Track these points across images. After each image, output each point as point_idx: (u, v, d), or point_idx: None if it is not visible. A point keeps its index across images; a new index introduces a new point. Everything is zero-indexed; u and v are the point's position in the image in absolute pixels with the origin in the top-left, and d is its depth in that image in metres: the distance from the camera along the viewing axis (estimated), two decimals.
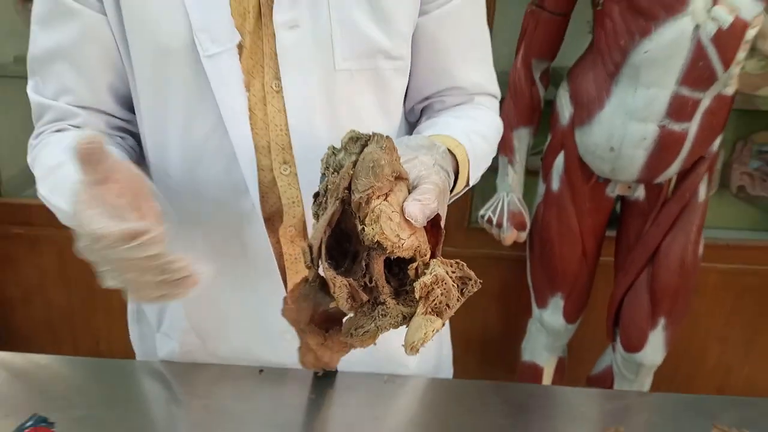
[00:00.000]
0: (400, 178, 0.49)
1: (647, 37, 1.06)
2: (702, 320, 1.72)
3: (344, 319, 0.54)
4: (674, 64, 1.07)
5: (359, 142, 0.50)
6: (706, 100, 1.13)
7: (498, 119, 0.79)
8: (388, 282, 0.50)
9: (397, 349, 0.81)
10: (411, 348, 0.47)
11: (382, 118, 0.72)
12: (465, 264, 0.50)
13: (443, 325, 0.48)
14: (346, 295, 0.49)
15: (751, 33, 1.07)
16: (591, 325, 1.51)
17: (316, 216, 0.51)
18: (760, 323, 1.74)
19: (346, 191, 0.48)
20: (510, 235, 1.34)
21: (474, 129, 0.70)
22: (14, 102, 1.78)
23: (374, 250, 0.48)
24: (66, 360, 0.91)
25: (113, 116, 0.74)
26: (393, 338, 0.78)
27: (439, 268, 0.47)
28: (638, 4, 1.05)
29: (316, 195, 0.52)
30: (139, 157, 0.76)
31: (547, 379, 1.52)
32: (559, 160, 1.30)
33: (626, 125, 1.16)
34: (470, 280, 0.49)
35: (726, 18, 1.03)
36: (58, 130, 0.72)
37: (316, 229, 0.49)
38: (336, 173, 0.50)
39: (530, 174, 1.42)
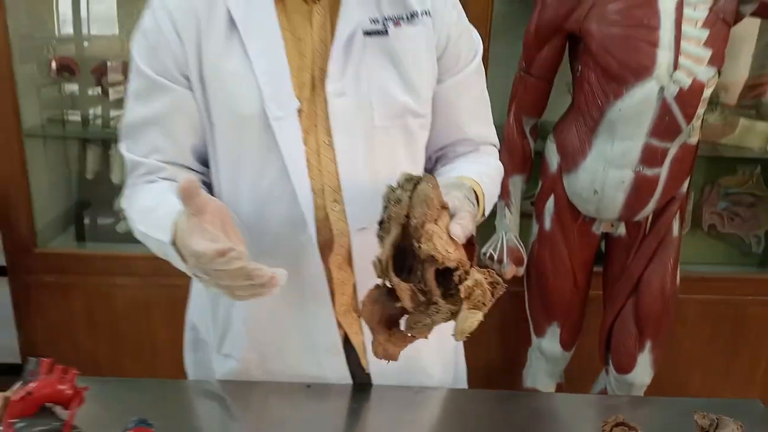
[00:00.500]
0: (443, 207, 0.67)
1: (620, 98, 1.27)
2: (684, 348, 1.88)
3: (402, 319, 0.70)
4: (644, 119, 1.27)
5: (412, 181, 0.67)
6: (673, 149, 1.32)
7: (499, 164, 0.98)
8: (438, 287, 0.66)
9: (425, 362, 0.96)
10: (461, 333, 0.63)
11: (410, 163, 0.90)
12: (495, 272, 0.66)
13: (482, 316, 0.64)
14: (409, 297, 0.65)
15: (707, 92, 1.28)
16: (585, 352, 1.65)
17: (381, 238, 0.68)
18: (738, 349, 1.90)
19: (406, 218, 0.65)
20: (509, 270, 1.50)
21: (484, 172, 0.88)
22: (47, 159, 1.96)
23: (427, 263, 0.64)
24: (129, 382, 1.03)
25: (192, 170, 0.90)
26: (422, 353, 0.94)
27: (477, 274, 0.64)
28: (611, 71, 1.25)
29: (381, 222, 0.69)
30: None
31: None
32: (550, 203, 1.48)
33: (607, 171, 1.34)
34: (499, 284, 0.65)
35: (686, 81, 1.24)
36: (149, 182, 0.88)
37: (383, 248, 0.66)
38: (396, 205, 0.66)
39: (525, 216, 1.59)
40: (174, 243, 0.73)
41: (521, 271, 1.52)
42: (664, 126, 1.27)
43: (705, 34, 1.23)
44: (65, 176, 2.07)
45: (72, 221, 2.07)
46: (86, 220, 2.05)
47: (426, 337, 0.71)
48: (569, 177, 1.41)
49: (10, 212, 1.79)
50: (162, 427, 0.80)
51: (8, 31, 1.66)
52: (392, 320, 0.71)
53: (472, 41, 0.92)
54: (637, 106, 1.26)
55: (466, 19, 0.92)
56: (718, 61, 1.25)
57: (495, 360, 1.90)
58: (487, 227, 1.64)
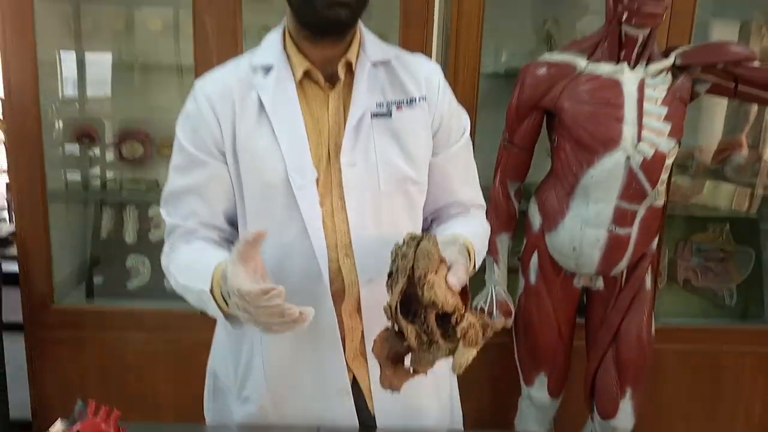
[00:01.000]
0: (442, 261, 0.81)
1: (592, 166, 1.43)
2: (666, 396, 1.98)
3: (407, 357, 0.82)
4: (614, 185, 1.43)
5: (416, 239, 0.82)
6: (641, 211, 1.48)
7: (486, 223, 1.13)
8: (438, 328, 0.79)
9: (424, 406, 1.07)
10: (459, 367, 0.76)
11: (410, 222, 1.04)
12: (486, 316, 0.80)
13: (475, 353, 0.77)
14: (414, 337, 0.78)
15: (669, 161, 1.44)
16: (573, 400, 1.75)
17: (390, 287, 0.81)
18: (717, 396, 2.01)
19: (410, 270, 0.79)
20: (499, 321, 1.62)
21: (475, 231, 1.03)
22: (65, 219, 2.10)
23: (429, 308, 0.78)
24: (162, 426, 1.12)
25: (223, 231, 1.04)
26: (422, 398, 1.05)
27: (471, 317, 0.77)
28: (583, 143, 1.42)
29: (390, 274, 0.82)
30: None
31: None
32: (534, 259, 1.62)
33: (583, 231, 1.49)
34: (489, 326, 0.79)
35: (649, 151, 1.40)
36: (186, 242, 1.01)
37: (392, 296, 0.79)
38: (402, 259, 0.80)
39: (512, 271, 1.72)
40: (211, 291, 0.86)
41: (510, 322, 1.64)
42: (632, 191, 1.43)
43: (664, 110, 1.40)
44: (81, 235, 2.19)
45: (84, 278, 2.18)
46: (97, 277, 2.16)
47: (426, 374, 0.83)
48: (550, 235, 1.56)
49: (30, 270, 1.91)
50: None
51: (39, 96, 1.82)
52: (398, 357, 0.83)
53: (461, 120, 1.09)
54: (606, 173, 1.42)
55: (456, 102, 1.09)
56: (677, 133, 1.42)
57: (487, 409, 1.99)
58: (477, 281, 1.78)
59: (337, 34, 0.95)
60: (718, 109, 2.19)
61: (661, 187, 1.48)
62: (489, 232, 1.12)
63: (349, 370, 1.03)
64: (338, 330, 1.00)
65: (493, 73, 1.97)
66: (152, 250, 2.11)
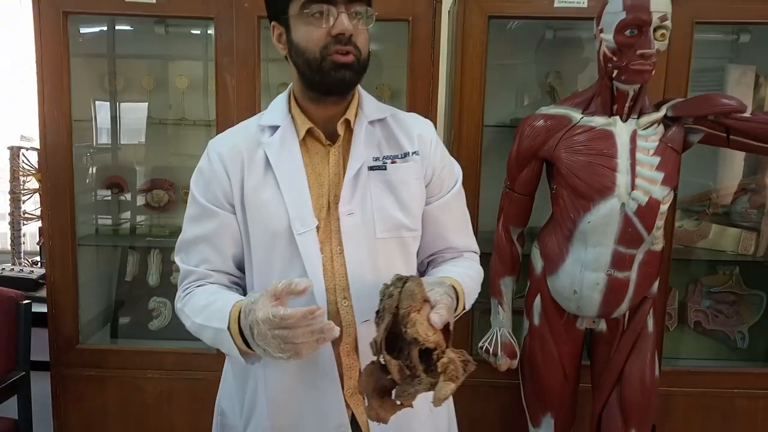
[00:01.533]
0: (426, 300, 0.88)
1: (588, 212, 1.49)
2: None
3: (393, 390, 0.89)
4: (611, 230, 1.49)
5: (402, 280, 0.89)
6: (639, 255, 1.53)
7: (479, 267, 1.20)
8: (420, 363, 0.85)
9: None
10: (438, 400, 0.81)
11: (404, 266, 1.11)
12: (466, 352, 0.86)
13: (456, 387, 0.83)
14: (397, 371, 0.85)
15: (663, 207, 1.50)
16: None
17: (377, 324, 0.88)
18: None
19: (396, 309, 0.86)
20: (504, 362, 1.66)
21: (465, 273, 1.10)
22: (94, 263, 2.21)
23: (412, 344, 0.85)
24: None
25: (232, 275, 1.13)
26: (419, 428, 1.10)
27: (451, 354, 0.83)
28: (579, 190, 1.49)
29: (377, 312, 0.90)
30: None
31: None
32: (537, 301, 1.66)
33: (583, 274, 1.54)
34: (469, 362, 0.85)
35: (642, 198, 1.46)
36: (200, 286, 1.10)
37: (378, 333, 0.86)
38: (389, 299, 0.87)
39: (518, 313, 1.77)
40: (228, 329, 0.94)
41: (515, 363, 1.68)
42: (629, 236, 1.48)
43: (656, 160, 1.47)
44: (108, 278, 2.30)
45: (110, 319, 2.28)
46: (122, 318, 2.26)
47: (412, 406, 0.89)
48: (552, 278, 1.61)
49: (58, 312, 2.01)
50: None
51: (72, 149, 1.96)
52: (385, 390, 0.89)
53: (454, 172, 1.17)
54: (603, 219, 1.48)
55: (449, 155, 1.18)
56: (670, 181, 1.48)
57: None
58: (484, 323, 1.83)
59: (340, 94, 1.05)
60: (736, 152, 2.23)
61: (658, 232, 1.53)
62: (481, 275, 1.18)
63: (348, 407, 1.09)
64: (336, 368, 1.06)
65: (499, 124, 2.06)
66: (173, 292, 2.19)
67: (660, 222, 1.51)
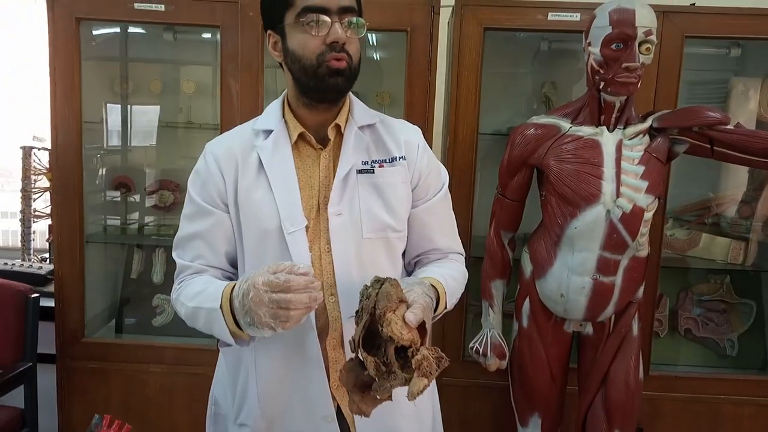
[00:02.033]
0: (402, 301, 0.94)
1: (575, 218, 1.54)
2: None
3: (373, 385, 0.94)
4: (596, 236, 1.54)
5: (379, 282, 0.95)
6: (624, 260, 1.58)
7: (463, 267, 1.25)
8: (396, 360, 0.91)
9: (404, 430, 1.17)
10: (412, 395, 0.87)
11: (390, 267, 1.17)
12: (440, 349, 0.91)
13: (429, 383, 0.88)
14: (373, 367, 0.90)
15: (648, 215, 1.55)
16: None
17: (356, 324, 0.94)
18: None
19: (373, 309, 0.92)
20: (493, 363, 1.71)
21: (448, 273, 1.16)
22: (101, 261, 2.28)
23: (388, 342, 0.90)
24: None
25: (225, 271, 1.19)
26: (402, 421, 1.15)
27: (425, 351, 0.89)
28: (566, 197, 1.54)
29: (357, 312, 0.96)
30: None
31: None
32: (526, 304, 1.72)
33: (570, 278, 1.60)
34: (443, 358, 0.90)
35: (627, 206, 1.52)
36: (193, 278, 1.16)
37: (356, 331, 0.92)
38: (367, 299, 0.94)
39: (507, 316, 1.83)
40: (221, 308, 1.00)
41: (504, 364, 1.73)
42: (613, 242, 1.53)
43: (641, 169, 1.52)
44: (114, 275, 2.38)
45: (115, 315, 2.35)
46: (127, 315, 2.34)
47: (390, 399, 0.94)
48: (540, 282, 1.67)
49: (65, 307, 2.08)
50: None
51: (83, 150, 2.03)
52: (365, 385, 0.95)
53: (440, 176, 1.23)
54: (589, 225, 1.53)
55: (436, 160, 1.24)
56: (654, 190, 1.53)
57: None
58: (476, 325, 1.88)
59: (333, 100, 1.12)
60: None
61: (642, 239, 1.58)
62: (465, 276, 1.24)
63: (334, 399, 1.14)
64: (323, 362, 1.12)
65: (495, 132, 2.12)
66: None
67: (645, 229, 1.56)
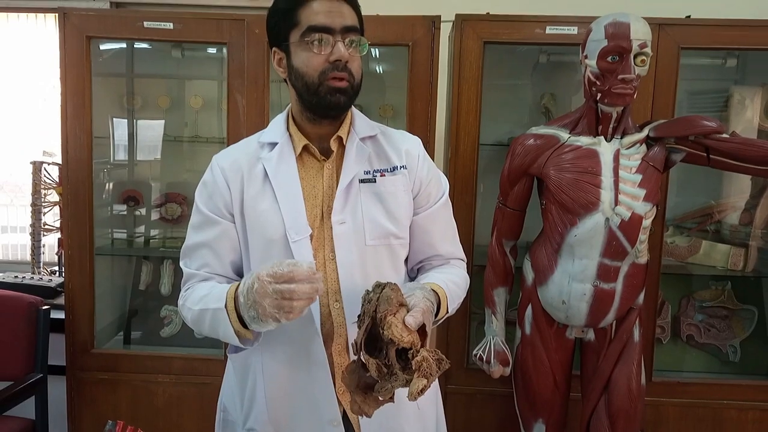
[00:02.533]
0: (402, 304, 0.97)
1: (575, 226, 1.58)
2: None
3: (375, 386, 0.98)
4: (596, 243, 1.57)
5: (380, 287, 0.99)
6: (624, 267, 1.61)
7: (464, 273, 1.28)
8: (398, 361, 0.94)
9: None
10: (412, 395, 0.90)
11: (393, 273, 1.20)
12: (440, 351, 0.94)
13: (429, 384, 0.91)
14: (375, 368, 0.94)
15: (646, 222, 1.58)
16: None
17: (359, 326, 0.98)
18: None
19: (374, 312, 0.95)
20: (496, 370, 1.73)
21: (450, 279, 1.19)
22: (110, 273, 2.32)
23: (389, 344, 0.94)
24: None
25: (230, 279, 1.23)
26: (406, 424, 1.18)
27: (425, 352, 0.92)
28: (566, 206, 1.58)
29: (359, 315, 0.99)
30: None
31: None
32: (529, 311, 1.75)
33: (571, 285, 1.62)
34: (443, 360, 0.93)
35: (625, 213, 1.55)
36: (199, 285, 1.19)
37: (358, 334, 0.96)
38: (368, 304, 0.97)
39: (510, 324, 1.85)
40: (225, 307, 1.04)
41: (507, 371, 1.75)
42: (613, 249, 1.57)
43: (638, 177, 1.56)
44: (122, 288, 2.41)
45: (123, 326, 2.38)
46: (135, 326, 2.37)
47: (393, 401, 0.98)
48: (542, 289, 1.70)
49: (75, 319, 2.12)
50: None
51: (92, 164, 2.08)
52: (368, 387, 0.98)
53: (440, 184, 1.27)
54: (588, 233, 1.57)
55: (436, 169, 1.28)
56: (652, 198, 1.56)
57: None
58: (479, 333, 1.91)
59: (334, 116, 1.16)
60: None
61: (641, 246, 1.61)
62: (467, 281, 1.27)
63: (340, 404, 1.17)
64: (328, 367, 1.15)
65: (496, 143, 2.16)
66: None
67: (643, 236, 1.59)
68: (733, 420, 2.03)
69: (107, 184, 2.38)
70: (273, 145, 1.20)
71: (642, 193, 1.55)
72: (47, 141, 2.89)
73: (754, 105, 2.18)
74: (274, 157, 1.18)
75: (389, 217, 1.17)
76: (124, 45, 2.36)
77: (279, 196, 1.15)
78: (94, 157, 2.09)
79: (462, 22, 1.89)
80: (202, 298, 1.14)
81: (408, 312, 0.97)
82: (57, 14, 2.00)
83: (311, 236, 1.15)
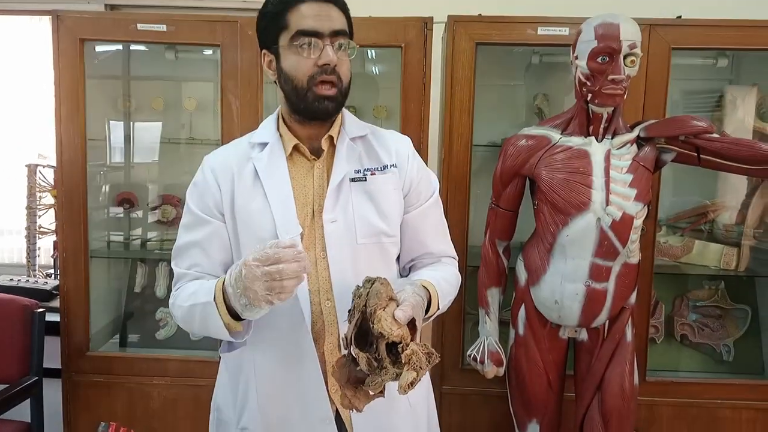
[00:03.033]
0: (391, 299, 0.98)
1: (566, 226, 1.58)
2: None
3: (366, 380, 0.98)
4: (587, 243, 1.58)
5: (370, 282, 1.00)
6: (616, 267, 1.61)
7: (455, 270, 1.29)
8: (388, 355, 0.95)
9: (401, 431, 1.20)
10: (402, 387, 0.91)
11: (384, 270, 1.20)
12: (429, 345, 0.95)
13: (419, 377, 0.92)
14: (366, 363, 0.94)
15: (637, 222, 1.59)
16: None
17: (349, 321, 0.98)
18: None
19: (364, 307, 0.96)
20: (490, 370, 1.74)
21: (441, 276, 1.20)
22: (105, 276, 2.32)
23: (379, 338, 0.94)
24: None
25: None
26: (398, 422, 1.19)
27: (414, 346, 0.93)
28: (557, 206, 1.59)
29: (349, 311, 1.00)
30: None
31: None
32: (522, 312, 1.75)
33: (563, 285, 1.63)
34: (433, 354, 0.94)
35: (617, 213, 1.56)
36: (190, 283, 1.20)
37: (348, 328, 0.96)
38: (358, 298, 0.98)
39: (504, 324, 1.86)
40: (215, 300, 1.05)
41: (501, 371, 1.76)
42: (605, 249, 1.57)
43: (629, 177, 1.56)
44: (117, 290, 2.42)
45: (119, 329, 2.38)
46: (130, 328, 2.37)
47: (383, 395, 0.98)
48: (535, 289, 1.70)
49: (70, 322, 2.12)
50: None
51: (87, 167, 2.08)
52: (358, 381, 0.99)
53: (431, 183, 1.28)
54: (580, 233, 1.57)
55: (426, 168, 1.29)
56: (643, 197, 1.57)
57: None
58: (473, 333, 1.91)
59: (323, 119, 1.16)
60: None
61: (633, 245, 1.61)
62: (458, 278, 1.28)
63: (332, 402, 1.18)
64: (319, 365, 1.16)
65: (490, 143, 2.16)
66: None
67: (635, 236, 1.60)
68: (727, 419, 2.04)
69: (103, 187, 2.38)
70: (263, 145, 1.21)
71: (633, 193, 1.56)
72: (42, 143, 2.89)
73: (748, 105, 2.20)
74: (265, 156, 1.19)
75: (380, 215, 1.18)
76: (120, 47, 2.37)
77: (269, 195, 1.16)
78: (90, 160, 2.10)
79: (454, 23, 1.90)
80: (191, 295, 1.14)
81: (398, 306, 0.98)
82: (51, 16, 2.00)
83: (302, 235, 1.16)
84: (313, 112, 1.13)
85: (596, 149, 1.59)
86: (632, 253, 1.63)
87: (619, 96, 1.52)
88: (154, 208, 2.41)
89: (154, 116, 2.42)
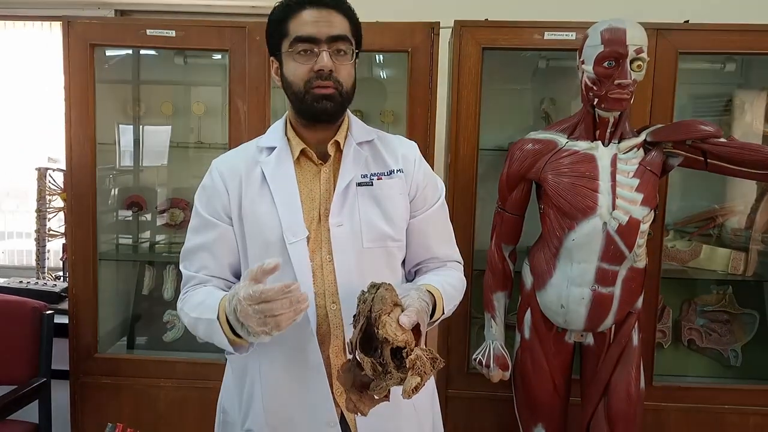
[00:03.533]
0: (396, 304, 0.98)
1: (573, 231, 1.58)
2: None
3: (371, 385, 0.98)
4: (594, 247, 1.58)
5: (375, 287, 1.00)
6: (622, 271, 1.61)
7: (461, 275, 1.29)
8: (392, 360, 0.95)
9: None
10: (406, 392, 0.91)
11: (389, 274, 1.21)
12: (434, 350, 0.95)
13: (423, 382, 0.92)
14: (370, 367, 0.95)
15: (644, 226, 1.59)
16: None
17: (354, 326, 0.99)
18: None
19: (369, 312, 0.96)
20: (496, 374, 1.74)
21: (446, 281, 1.20)
22: (113, 279, 2.34)
23: (384, 343, 0.95)
24: None
25: (228, 281, 1.24)
26: (403, 426, 1.19)
27: (419, 351, 0.94)
28: (564, 210, 1.59)
29: (354, 316, 1.00)
30: None
31: None
32: (528, 316, 1.75)
33: (569, 289, 1.63)
34: (437, 359, 0.95)
35: (623, 218, 1.56)
36: (197, 289, 1.21)
37: (353, 333, 0.97)
38: (363, 304, 0.98)
39: (510, 328, 1.86)
40: (218, 318, 1.05)
41: (507, 375, 1.76)
42: (611, 253, 1.57)
43: (636, 182, 1.56)
44: (126, 293, 2.43)
45: (127, 331, 2.40)
46: (138, 330, 2.39)
47: (388, 399, 0.98)
48: (540, 294, 1.70)
49: (79, 324, 2.14)
50: None
51: (96, 171, 2.10)
52: (363, 385, 0.99)
53: (437, 187, 1.29)
54: (586, 237, 1.57)
55: (432, 173, 1.30)
56: (649, 202, 1.57)
57: None
58: (479, 337, 1.91)
59: (326, 121, 1.18)
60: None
61: (639, 250, 1.61)
62: (464, 283, 1.29)
63: (337, 405, 1.18)
64: (324, 368, 1.16)
65: (497, 147, 2.17)
66: None
67: (641, 240, 1.60)
68: (734, 425, 2.03)
69: (112, 190, 2.40)
70: (271, 149, 1.22)
71: (639, 197, 1.56)
72: (52, 147, 2.92)
73: (757, 109, 2.19)
74: (272, 160, 1.20)
75: (386, 219, 1.19)
76: (129, 52, 2.39)
77: (276, 199, 1.17)
78: (99, 164, 2.12)
79: (461, 28, 1.91)
80: (198, 306, 1.15)
81: (402, 311, 0.98)
82: (61, 22, 2.02)
83: (308, 238, 1.17)
84: (312, 112, 1.14)
85: (603, 153, 1.59)
86: (639, 257, 1.63)
87: (625, 100, 1.52)
88: (163, 212, 2.43)
89: (163, 120, 2.44)
